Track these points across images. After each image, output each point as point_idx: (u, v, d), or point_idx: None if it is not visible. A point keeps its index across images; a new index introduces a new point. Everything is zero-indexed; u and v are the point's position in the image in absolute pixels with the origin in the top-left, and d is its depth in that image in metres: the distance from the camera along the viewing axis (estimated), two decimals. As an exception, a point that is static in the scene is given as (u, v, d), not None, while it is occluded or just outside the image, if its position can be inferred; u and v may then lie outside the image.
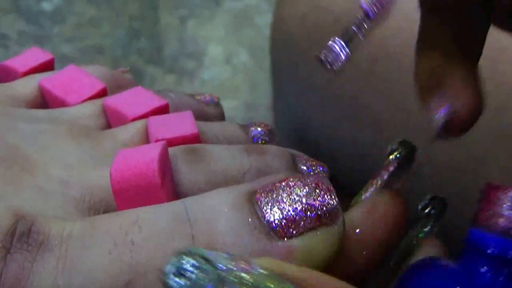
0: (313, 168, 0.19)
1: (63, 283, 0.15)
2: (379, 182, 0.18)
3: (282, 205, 0.15)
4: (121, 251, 0.15)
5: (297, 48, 0.40)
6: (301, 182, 0.16)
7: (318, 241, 0.15)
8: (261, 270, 0.13)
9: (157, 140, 0.19)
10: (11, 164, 0.18)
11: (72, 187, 0.18)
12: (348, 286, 0.14)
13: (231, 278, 0.13)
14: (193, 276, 0.14)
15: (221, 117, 0.23)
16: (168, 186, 0.17)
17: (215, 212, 0.15)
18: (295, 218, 0.15)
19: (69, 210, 0.17)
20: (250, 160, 0.18)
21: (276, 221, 0.15)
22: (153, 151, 0.17)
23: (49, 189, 0.17)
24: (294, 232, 0.15)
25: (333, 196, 0.15)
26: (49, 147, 0.19)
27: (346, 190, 0.31)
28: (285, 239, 0.15)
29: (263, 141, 0.21)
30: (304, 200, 0.15)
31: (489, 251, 0.16)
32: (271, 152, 0.19)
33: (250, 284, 0.13)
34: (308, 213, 0.15)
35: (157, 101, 0.21)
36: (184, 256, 0.14)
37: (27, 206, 0.16)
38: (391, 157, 0.18)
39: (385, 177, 0.18)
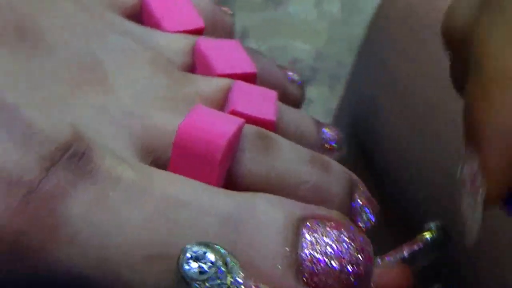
0: (367, 207, 0.18)
1: (93, 221, 0.14)
2: (398, 255, 0.17)
3: (322, 255, 0.15)
4: (161, 224, 0.15)
5: (393, 33, 0.38)
6: (349, 238, 0.15)
7: None
8: None
9: (233, 111, 0.18)
10: (87, 75, 0.17)
11: (135, 120, 0.17)
12: None
13: None
14: (209, 271, 0.14)
15: (301, 100, 0.22)
16: (225, 164, 0.17)
17: (263, 231, 0.15)
18: (327, 273, 0.15)
19: (124, 142, 0.17)
20: (311, 173, 0.18)
21: (309, 268, 0.15)
22: (229, 125, 0.17)
23: (113, 114, 0.17)
24: (320, 285, 0.15)
25: (371, 268, 0.15)
26: (128, 70, 0.18)
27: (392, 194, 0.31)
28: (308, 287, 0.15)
29: (331, 147, 0.20)
30: (343, 260, 0.15)
31: None
32: (334, 172, 0.18)
33: None
34: (342, 274, 0.15)
35: (248, 66, 0.20)
36: (208, 250, 0.14)
37: (87, 125, 0.16)
38: (423, 235, 0.18)
39: (407, 252, 0.18)
